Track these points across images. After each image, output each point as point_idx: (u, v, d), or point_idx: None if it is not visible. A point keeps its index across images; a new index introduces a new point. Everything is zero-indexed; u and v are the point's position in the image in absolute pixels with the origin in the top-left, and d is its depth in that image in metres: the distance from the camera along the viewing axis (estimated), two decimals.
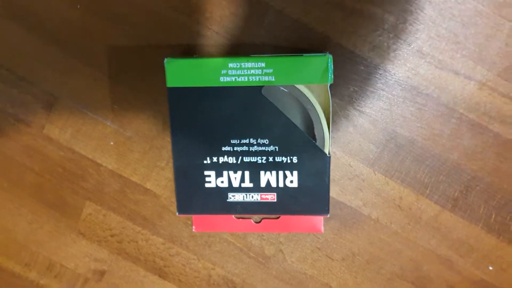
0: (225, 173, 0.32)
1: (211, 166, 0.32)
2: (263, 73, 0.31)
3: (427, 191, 0.35)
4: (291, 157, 0.32)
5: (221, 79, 0.31)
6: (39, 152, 0.37)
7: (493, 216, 0.35)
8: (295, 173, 0.32)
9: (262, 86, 0.31)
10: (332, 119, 0.34)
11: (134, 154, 0.36)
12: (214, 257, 0.37)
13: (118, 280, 0.39)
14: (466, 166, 0.34)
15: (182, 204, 0.33)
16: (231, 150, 0.32)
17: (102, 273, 0.39)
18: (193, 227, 0.36)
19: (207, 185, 0.33)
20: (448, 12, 0.32)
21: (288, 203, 0.33)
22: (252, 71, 0.31)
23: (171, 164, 0.36)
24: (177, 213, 0.33)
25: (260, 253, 0.37)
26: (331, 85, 0.33)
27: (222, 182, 0.33)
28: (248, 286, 0.38)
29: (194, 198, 0.33)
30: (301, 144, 0.32)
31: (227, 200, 0.33)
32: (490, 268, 0.36)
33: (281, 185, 0.32)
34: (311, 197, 0.32)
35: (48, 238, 0.38)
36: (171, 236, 0.37)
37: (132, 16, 0.34)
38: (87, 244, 0.38)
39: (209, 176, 0.33)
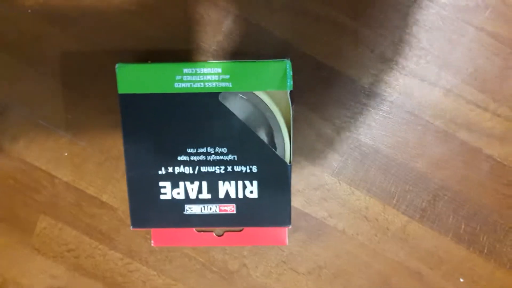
0: (181, 184, 0.31)
1: (166, 177, 0.31)
2: (220, 79, 0.29)
3: (394, 201, 0.34)
4: (251, 166, 0.30)
5: (176, 85, 0.30)
6: None
7: (463, 226, 0.34)
8: (255, 183, 0.31)
9: (219, 93, 0.30)
10: (295, 127, 0.33)
11: (89, 165, 0.34)
12: (175, 273, 0.36)
13: None
14: (433, 175, 0.33)
15: (136, 218, 0.32)
16: (188, 159, 0.31)
17: None
18: (152, 241, 0.34)
19: (162, 197, 0.31)
20: (412, 17, 0.31)
21: (249, 214, 0.31)
22: (209, 77, 0.29)
23: None
24: (131, 227, 0.32)
25: (223, 267, 0.35)
26: (294, 92, 0.32)
27: (178, 193, 0.31)
28: None
29: (149, 210, 0.31)
30: (261, 153, 0.30)
31: (184, 213, 0.31)
32: (461, 280, 0.35)
33: (240, 196, 0.31)
34: (272, 208, 0.31)
35: (0, 254, 0.36)
36: (129, 251, 0.36)
37: (84, 20, 0.32)
38: (42, 259, 0.36)
39: (164, 187, 0.31)
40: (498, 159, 0.33)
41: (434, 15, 0.31)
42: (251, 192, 0.31)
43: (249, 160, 0.30)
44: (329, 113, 0.33)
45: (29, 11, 0.32)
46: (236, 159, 0.30)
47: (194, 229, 0.34)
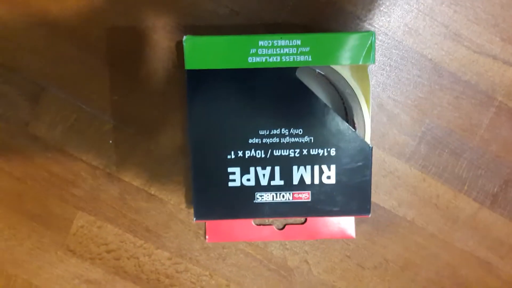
0: (252, 169, 0.28)
1: (236, 162, 0.28)
2: (299, 52, 0.27)
3: (465, 187, 0.32)
4: (329, 149, 0.28)
5: (250, 59, 0.27)
6: (21, 153, 0.31)
7: None
8: (332, 167, 0.28)
9: (296, 68, 0.27)
10: None
11: (137, 154, 0.31)
12: (229, 272, 0.33)
13: None
14: (506, 158, 0.32)
15: (200, 208, 0.28)
16: (260, 142, 0.28)
17: None
18: (206, 237, 0.31)
19: (231, 184, 0.28)
20: None
21: (324, 202, 0.29)
22: (286, 50, 0.27)
23: (180, 165, 0.31)
24: (194, 219, 0.28)
25: (282, 264, 0.33)
26: None
27: (248, 180, 0.28)
28: None
29: (215, 200, 0.28)
30: (340, 134, 0.28)
31: (254, 201, 0.28)
32: None
33: (316, 181, 0.28)
34: (351, 195, 0.28)
35: (28, 257, 0.32)
36: (179, 249, 0.32)
37: None
38: (77, 262, 0.32)
39: (234, 173, 0.28)
40: None
41: None
42: (328, 177, 0.28)
43: (327, 142, 0.28)
44: (401, 93, 0.31)
45: None
46: (312, 141, 0.28)
47: (252, 221, 0.31)
